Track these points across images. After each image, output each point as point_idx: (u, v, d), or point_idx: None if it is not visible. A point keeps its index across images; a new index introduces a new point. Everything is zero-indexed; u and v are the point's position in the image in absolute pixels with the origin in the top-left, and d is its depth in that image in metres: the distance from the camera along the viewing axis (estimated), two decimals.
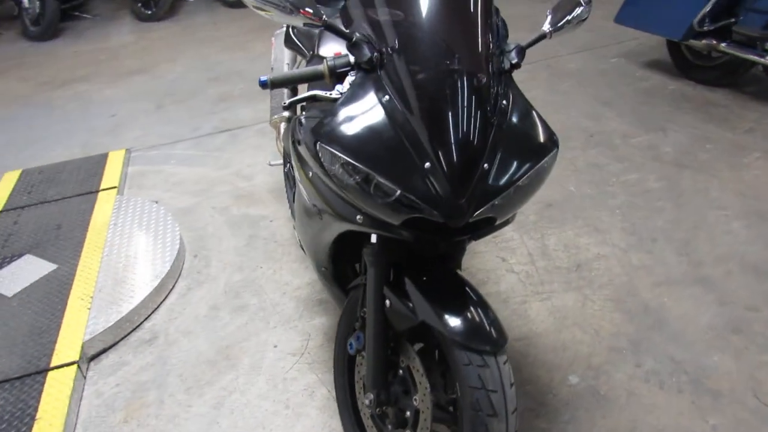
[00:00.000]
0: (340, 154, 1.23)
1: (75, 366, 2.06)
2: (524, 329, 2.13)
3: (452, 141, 1.19)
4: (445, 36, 1.30)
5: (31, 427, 1.85)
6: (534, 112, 1.36)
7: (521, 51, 1.38)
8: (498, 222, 1.31)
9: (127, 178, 3.40)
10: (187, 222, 2.93)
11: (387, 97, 1.26)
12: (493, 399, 1.29)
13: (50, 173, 3.40)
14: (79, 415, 1.97)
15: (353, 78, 1.33)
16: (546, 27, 1.41)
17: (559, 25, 1.40)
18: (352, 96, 1.30)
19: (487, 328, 1.34)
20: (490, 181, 1.22)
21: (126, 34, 6.29)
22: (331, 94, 1.36)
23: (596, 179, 2.94)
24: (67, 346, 2.13)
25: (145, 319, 2.35)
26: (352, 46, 1.31)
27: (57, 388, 1.98)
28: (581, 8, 1.41)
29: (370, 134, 1.24)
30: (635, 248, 2.47)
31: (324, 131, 1.27)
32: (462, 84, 1.24)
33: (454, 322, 1.32)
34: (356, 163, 1.21)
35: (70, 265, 2.56)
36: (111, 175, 3.31)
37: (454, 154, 1.18)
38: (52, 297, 2.38)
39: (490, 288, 2.32)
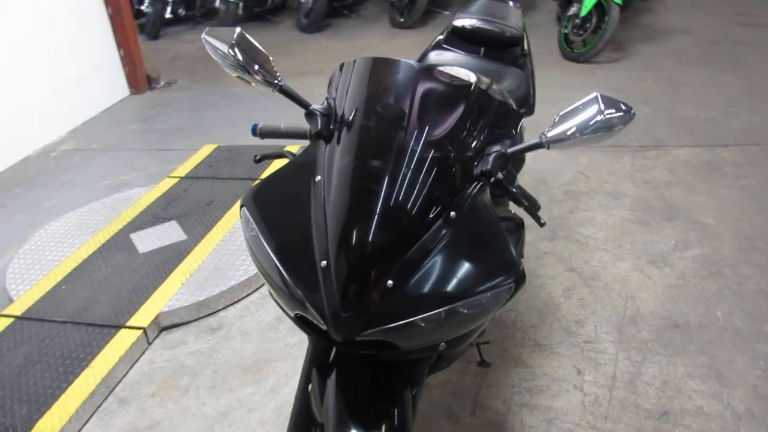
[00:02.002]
0: (252, 224, 1.17)
1: (141, 331, 2.32)
2: None
3: (355, 246, 1.05)
4: (407, 129, 1.15)
5: (81, 370, 2.15)
6: (498, 235, 1.12)
7: (499, 158, 1.14)
8: (405, 349, 1.11)
9: None
10: None
11: (319, 177, 1.16)
12: None
13: (235, 153, 3.86)
14: (126, 375, 2.23)
15: (307, 148, 1.25)
16: (545, 134, 1.14)
17: (561, 135, 1.12)
18: (293, 167, 1.23)
19: None
20: (394, 303, 1.04)
21: (374, 37, 6.76)
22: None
23: (759, 312, 2.30)
24: (146, 312, 2.41)
25: (223, 308, 2.55)
26: (307, 115, 1.23)
27: (117, 345, 2.26)
28: (602, 117, 1.10)
29: (287, 213, 1.16)
30: (757, 419, 1.88)
31: (252, 195, 1.22)
32: (397, 185, 1.08)
33: None
34: (262, 240, 1.14)
35: (195, 241, 2.88)
36: (275, 167, 3.62)
37: (352, 261, 1.04)
38: (165, 264, 2.71)
39: (544, 401, 1.99)
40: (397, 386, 1.29)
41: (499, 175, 1.22)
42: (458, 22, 2.29)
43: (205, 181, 3.49)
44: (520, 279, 1.10)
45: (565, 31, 5.40)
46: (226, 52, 1.22)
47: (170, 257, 2.76)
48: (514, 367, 2.14)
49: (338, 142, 1.17)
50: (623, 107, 1.14)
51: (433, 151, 1.12)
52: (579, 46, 5.32)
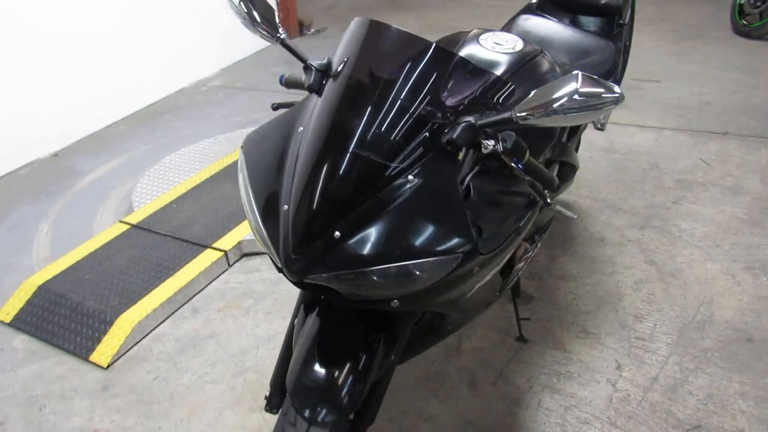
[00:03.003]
0: (243, 166, 1.28)
1: (222, 253, 2.60)
2: None
3: (310, 194, 1.12)
4: (381, 91, 1.18)
5: (167, 278, 2.48)
6: (455, 206, 1.12)
7: (467, 129, 1.13)
8: (350, 298, 1.17)
9: None
10: None
11: (301, 128, 1.24)
12: None
13: None
14: (204, 290, 2.53)
15: (303, 100, 1.32)
16: (517, 108, 1.09)
17: (532, 110, 1.07)
18: (286, 116, 1.31)
19: (322, 398, 1.25)
20: (339, 252, 1.11)
21: None
22: None
23: None
24: (230, 238, 2.69)
25: None
26: (304, 69, 1.30)
27: (201, 262, 2.56)
28: (577, 96, 1.03)
29: (270, 159, 1.26)
30: None
31: (249, 139, 1.33)
32: (359, 142, 1.13)
33: (302, 371, 1.29)
34: (247, 181, 1.26)
35: None
36: None
37: (306, 208, 1.12)
38: None
39: (570, 387, 1.94)
40: (372, 336, 1.36)
41: (499, 147, 1.19)
42: None
43: None
44: (470, 252, 1.10)
45: (741, 1, 4.76)
46: (237, 4, 1.32)
47: None
48: (551, 349, 2.09)
49: (323, 99, 1.24)
50: (605, 89, 1.06)
51: (399, 116, 1.14)
52: (755, 20, 4.68)
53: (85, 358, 2.19)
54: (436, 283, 1.14)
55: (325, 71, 1.29)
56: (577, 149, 2.72)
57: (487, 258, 1.21)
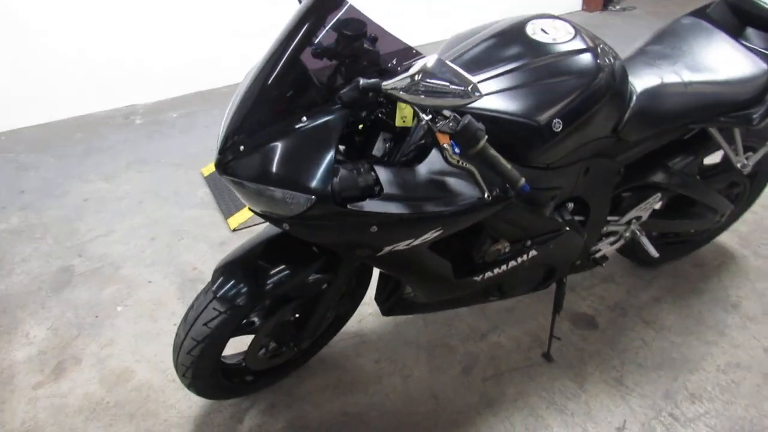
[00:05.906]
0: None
1: None
2: None
3: (234, 112, 1.34)
4: (308, 44, 1.30)
5: None
6: (323, 156, 1.23)
7: (352, 89, 1.21)
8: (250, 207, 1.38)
9: None
10: None
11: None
12: (189, 314, 1.57)
13: None
14: None
15: None
16: (387, 79, 1.11)
17: (395, 84, 1.08)
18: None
19: (235, 284, 1.53)
20: (239, 163, 1.32)
21: None
22: None
23: None
24: None
25: None
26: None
27: None
28: (419, 77, 1.03)
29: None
30: None
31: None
32: (270, 78, 1.29)
33: (235, 256, 1.59)
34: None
35: None
36: None
37: (232, 121, 1.35)
38: None
39: (552, 420, 1.79)
40: (315, 256, 1.56)
41: (439, 125, 1.22)
42: None
43: None
44: (323, 198, 1.21)
45: None
46: None
47: None
48: (567, 379, 1.92)
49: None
50: (458, 80, 1.02)
51: (312, 63, 1.27)
52: None
53: (225, 218, 2.80)
54: (318, 221, 1.29)
55: None
56: (753, 198, 2.25)
57: (386, 221, 1.29)
